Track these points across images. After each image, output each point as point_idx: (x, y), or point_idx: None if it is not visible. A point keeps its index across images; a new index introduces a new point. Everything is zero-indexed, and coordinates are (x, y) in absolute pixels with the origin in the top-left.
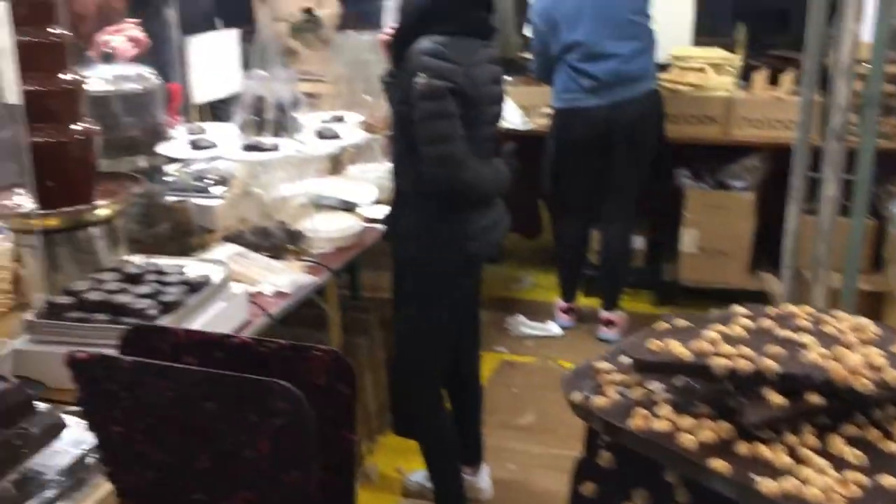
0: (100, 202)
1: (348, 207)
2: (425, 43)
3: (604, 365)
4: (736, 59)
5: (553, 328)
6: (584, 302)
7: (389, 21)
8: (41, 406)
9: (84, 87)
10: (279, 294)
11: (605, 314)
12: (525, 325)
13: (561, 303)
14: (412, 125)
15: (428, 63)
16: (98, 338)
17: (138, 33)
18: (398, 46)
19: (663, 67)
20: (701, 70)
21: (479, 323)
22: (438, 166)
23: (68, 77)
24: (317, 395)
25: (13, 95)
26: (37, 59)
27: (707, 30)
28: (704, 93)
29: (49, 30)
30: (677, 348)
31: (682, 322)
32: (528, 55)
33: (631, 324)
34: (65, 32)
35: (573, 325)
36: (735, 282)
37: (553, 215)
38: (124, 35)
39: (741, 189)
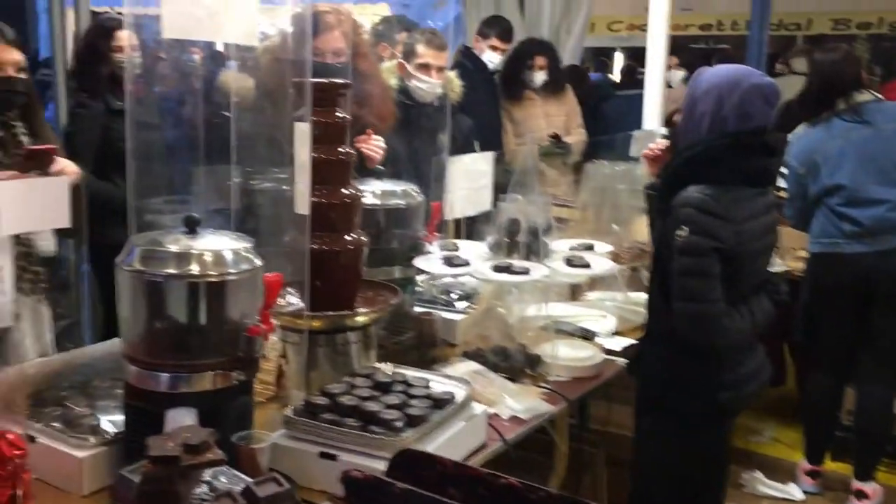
0: (360, 309)
1: (587, 336)
2: (694, 193)
3: None
4: None
5: (794, 491)
6: (831, 466)
7: (654, 142)
8: None
9: (360, 200)
10: (514, 418)
11: (857, 484)
12: (762, 484)
13: (805, 464)
14: (668, 268)
15: (693, 217)
16: (348, 443)
17: (379, 148)
18: (666, 186)
19: None
20: None
21: (726, 478)
22: (689, 324)
23: (348, 191)
24: None
25: (304, 207)
26: (326, 174)
27: None
28: None
29: (339, 148)
30: None
31: None
32: (782, 194)
33: (887, 499)
34: (350, 151)
35: (818, 490)
36: None
37: (801, 365)
38: (365, 145)
39: None
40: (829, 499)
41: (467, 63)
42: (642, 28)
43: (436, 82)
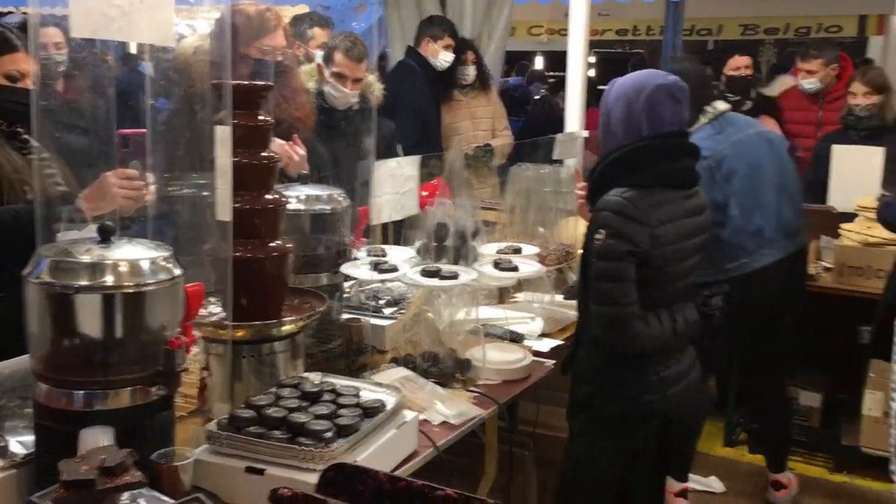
0: (286, 317)
1: (515, 339)
2: (612, 197)
3: None
4: None
5: (715, 484)
6: (748, 458)
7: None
8: None
9: (285, 206)
10: (445, 424)
11: (772, 475)
12: None
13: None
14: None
15: (610, 221)
16: (276, 456)
17: (298, 155)
18: (592, 192)
19: (850, 218)
20: None
21: (661, 477)
22: (604, 327)
23: (272, 196)
24: None
25: (226, 213)
26: (248, 178)
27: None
28: None
29: (262, 152)
30: None
31: None
32: None
33: (803, 488)
34: (273, 155)
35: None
36: None
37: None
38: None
39: None
40: (748, 487)
41: (414, 64)
42: (561, 32)
43: (349, 93)
